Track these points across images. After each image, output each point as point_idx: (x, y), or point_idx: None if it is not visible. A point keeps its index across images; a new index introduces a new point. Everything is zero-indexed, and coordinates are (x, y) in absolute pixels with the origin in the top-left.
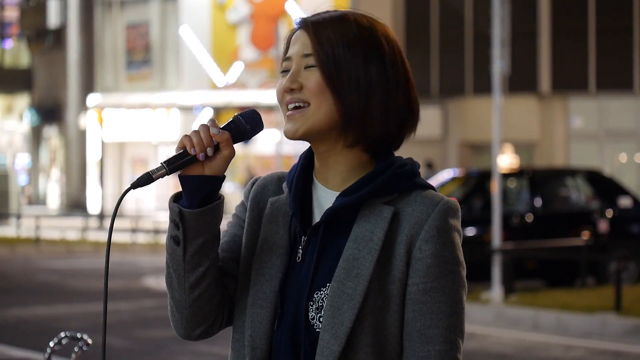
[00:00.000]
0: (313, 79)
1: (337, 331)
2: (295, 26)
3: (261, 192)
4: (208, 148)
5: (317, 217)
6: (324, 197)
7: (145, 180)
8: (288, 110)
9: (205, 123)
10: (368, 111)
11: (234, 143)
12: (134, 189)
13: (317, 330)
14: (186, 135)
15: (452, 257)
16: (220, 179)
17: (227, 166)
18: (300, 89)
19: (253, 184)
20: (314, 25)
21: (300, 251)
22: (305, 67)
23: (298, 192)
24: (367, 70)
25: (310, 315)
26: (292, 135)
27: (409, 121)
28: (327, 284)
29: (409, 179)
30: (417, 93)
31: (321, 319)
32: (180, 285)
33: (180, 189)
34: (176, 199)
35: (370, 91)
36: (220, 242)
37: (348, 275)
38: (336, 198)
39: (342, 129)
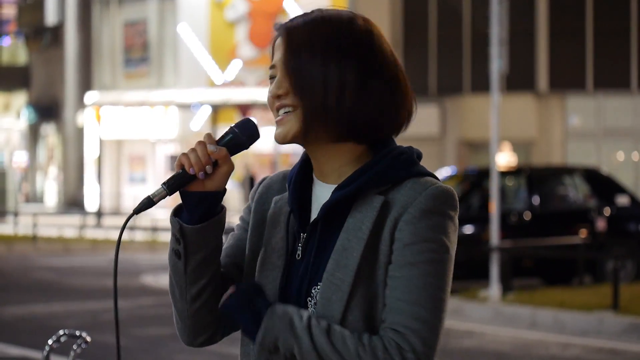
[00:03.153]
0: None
1: None
2: (275, 33)
3: (266, 192)
4: (207, 166)
5: (315, 213)
6: (322, 193)
7: (147, 204)
8: (278, 115)
9: (202, 140)
10: (336, 109)
11: (233, 154)
12: (136, 214)
13: None
14: (184, 154)
15: (432, 237)
16: (221, 193)
17: (227, 180)
18: (287, 94)
19: (260, 184)
20: (286, 31)
21: (300, 248)
22: None
23: (296, 189)
24: (332, 68)
25: (310, 310)
26: (281, 140)
27: (393, 113)
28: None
29: (404, 168)
30: (414, 91)
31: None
32: (182, 297)
33: (180, 200)
34: (177, 212)
35: (339, 89)
36: (225, 246)
37: (337, 266)
38: (332, 192)
39: (322, 127)
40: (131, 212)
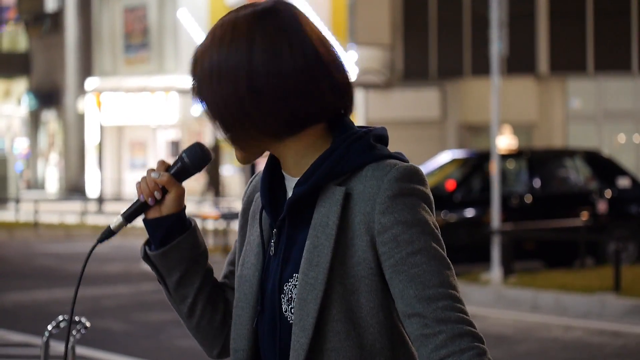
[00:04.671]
0: None
1: (304, 323)
2: None
3: (253, 190)
4: (155, 192)
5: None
6: (290, 187)
7: (108, 234)
8: None
9: (151, 167)
10: (248, 119)
11: (181, 180)
12: (100, 243)
13: (291, 321)
14: (138, 182)
15: (414, 219)
16: (176, 215)
17: (182, 201)
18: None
19: (250, 184)
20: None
21: (273, 245)
22: None
23: (266, 185)
24: (224, 86)
25: (283, 307)
26: (243, 165)
27: (317, 96)
28: (294, 274)
29: (360, 154)
30: (415, 75)
31: (292, 310)
32: (180, 315)
33: None
34: (148, 240)
35: (238, 103)
36: (230, 254)
37: (310, 264)
38: (293, 188)
39: (253, 141)
40: (95, 241)
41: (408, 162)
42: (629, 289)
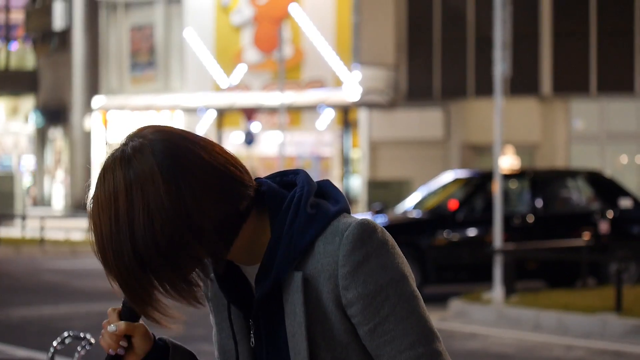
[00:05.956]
0: None
1: None
2: None
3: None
4: (120, 343)
5: (254, 290)
6: (249, 273)
7: None
8: None
9: (105, 321)
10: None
11: (137, 319)
12: None
13: None
14: (101, 338)
15: (377, 287)
16: (154, 350)
17: (149, 336)
18: None
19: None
20: None
21: (252, 337)
22: None
23: (224, 282)
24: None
25: None
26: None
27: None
28: None
29: (304, 233)
30: (419, 96)
31: None
32: None
33: None
34: None
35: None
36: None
37: (295, 354)
38: (255, 284)
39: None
40: None
41: (341, 205)
42: (630, 309)
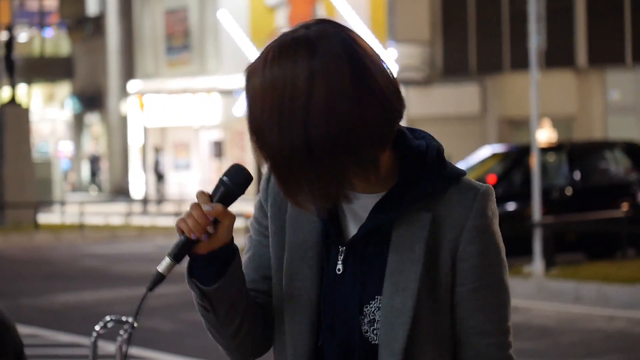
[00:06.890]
0: None
1: (393, 347)
2: None
3: (279, 192)
4: (207, 227)
5: (350, 222)
6: (356, 201)
7: (159, 279)
8: None
9: (196, 202)
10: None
11: (229, 205)
12: (151, 290)
13: (373, 342)
14: (182, 220)
15: (495, 252)
16: (228, 245)
17: (232, 231)
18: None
19: (267, 180)
20: None
21: (340, 264)
22: None
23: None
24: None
25: (363, 329)
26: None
27: (361, 122)
28: (376, 296)
29: (441, 178)
30: (455, 71)
31: (375, 332)
32: (221, 336)
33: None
34: (191, 270)
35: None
36: (247, 257)
37: (396, 289)
38: (371, 213)
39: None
40: (145, 289)
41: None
42: None
